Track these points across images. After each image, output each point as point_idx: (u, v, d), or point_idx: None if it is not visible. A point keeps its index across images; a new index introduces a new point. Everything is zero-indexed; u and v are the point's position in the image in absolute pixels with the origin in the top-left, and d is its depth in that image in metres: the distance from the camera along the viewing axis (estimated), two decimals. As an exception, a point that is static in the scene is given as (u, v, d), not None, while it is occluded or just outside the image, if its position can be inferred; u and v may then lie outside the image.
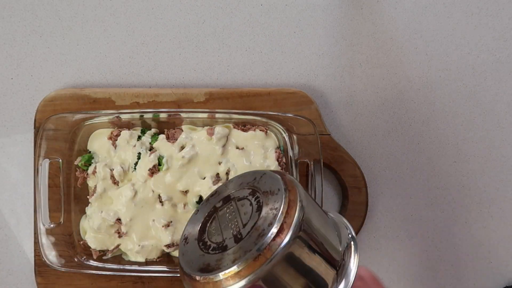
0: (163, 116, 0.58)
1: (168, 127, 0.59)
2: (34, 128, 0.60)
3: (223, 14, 0.63)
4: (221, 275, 0.39)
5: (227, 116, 0.58)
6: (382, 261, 0.65)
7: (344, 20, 0.63)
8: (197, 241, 0.45)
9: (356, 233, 0.62)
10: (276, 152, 0.58)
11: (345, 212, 0.62)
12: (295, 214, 0.40)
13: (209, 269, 0.40)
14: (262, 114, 0.58)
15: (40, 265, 0.59)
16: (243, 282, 0.38)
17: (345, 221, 0.48)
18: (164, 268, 0.58)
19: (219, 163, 0.58)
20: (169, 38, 0.63)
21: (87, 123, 0.58)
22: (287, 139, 0.59)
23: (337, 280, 0.43)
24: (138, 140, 0.58)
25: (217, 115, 0.58)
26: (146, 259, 0.58)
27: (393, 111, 0.64)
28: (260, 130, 0.59)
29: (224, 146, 0.58)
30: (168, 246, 0.58)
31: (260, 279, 0.38)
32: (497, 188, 0.64)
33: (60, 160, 0.57)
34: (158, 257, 0.59)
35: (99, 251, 0.58)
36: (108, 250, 0.58)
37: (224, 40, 0.63)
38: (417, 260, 0.65)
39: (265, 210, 0.41)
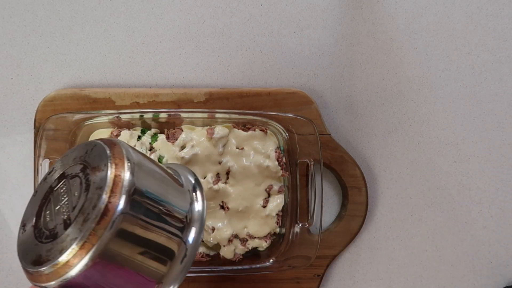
0: (163, 116, 0.58)
1: (168, 127, 0.59)
2: (34, 128, 0.60)
3: (223, 14, 0.63)
4: (50, 267, 0.36)
5: (227, 116, 0.58)
6: (382, 261, 0.64)
7: (344, 20, 0.63)
8: (33, 228, 0.40)
9: (356, 233, 0.62)
10: (276, 152, 0.58)
11: (345, 212, 0.62)
12: (120, 191, 0.37)
13: (40, 261, 0.37)
14: (262, 114, 0.58)
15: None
16: (73, 272, 0.36)
17: (187, 168, 0.49)
18: (164, 268, 0.58)
19: (219, 163, 0.58)
20: (169, 38, 0.63)
21: (87, 123, 0.58)
22: (287, 139, 0.59)
23: (184, 242, 0.41)
24: (138, 140, 0.58)
25: (217, 115, 0.58)
26: (146, 259, 0.58)
27: (393, 111, 0.64)
28: (260, 130, 0.59)
29: (224, 146, 0.58)
30: (168, 246, 0.58)
31: (93, 265, 0.36)
32: (497, 188, 0.64)
33: (60, 160, 0.57)
34: (158, 257, 0.59)
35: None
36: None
37: (224, 40, 0.63)
38: (417, 260, 0.65)
39: (91, 191, 0.38)
